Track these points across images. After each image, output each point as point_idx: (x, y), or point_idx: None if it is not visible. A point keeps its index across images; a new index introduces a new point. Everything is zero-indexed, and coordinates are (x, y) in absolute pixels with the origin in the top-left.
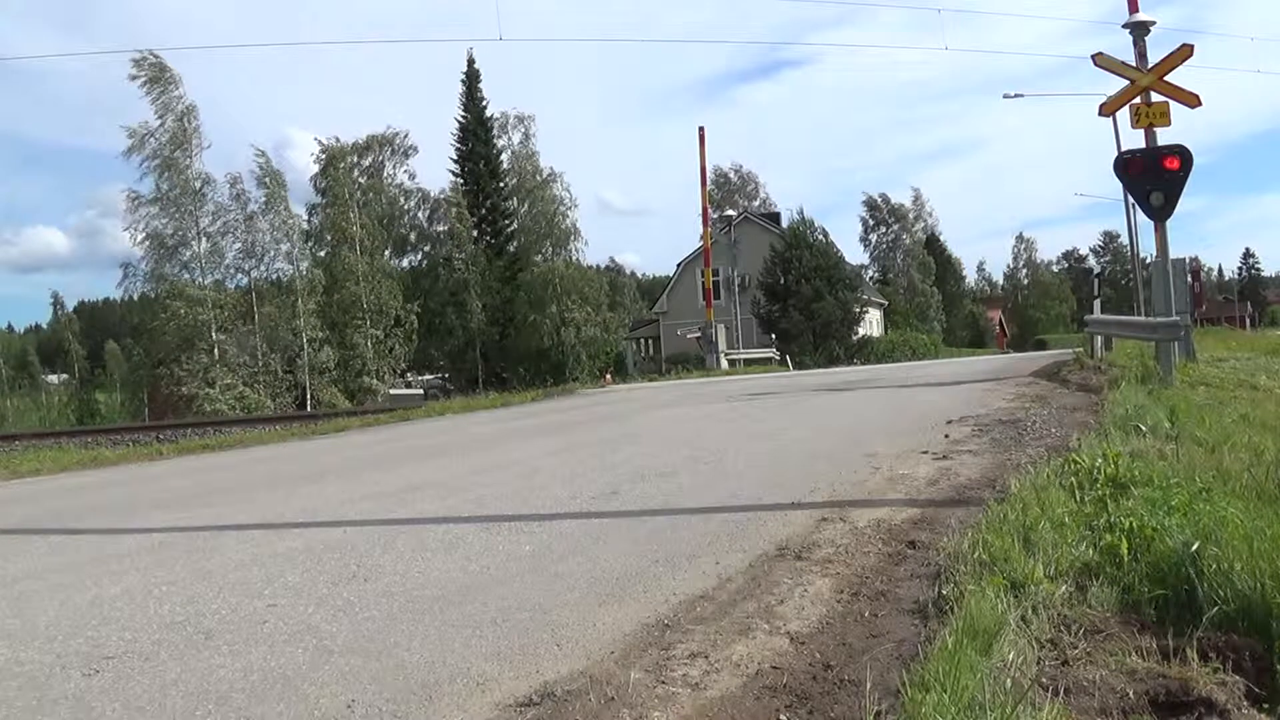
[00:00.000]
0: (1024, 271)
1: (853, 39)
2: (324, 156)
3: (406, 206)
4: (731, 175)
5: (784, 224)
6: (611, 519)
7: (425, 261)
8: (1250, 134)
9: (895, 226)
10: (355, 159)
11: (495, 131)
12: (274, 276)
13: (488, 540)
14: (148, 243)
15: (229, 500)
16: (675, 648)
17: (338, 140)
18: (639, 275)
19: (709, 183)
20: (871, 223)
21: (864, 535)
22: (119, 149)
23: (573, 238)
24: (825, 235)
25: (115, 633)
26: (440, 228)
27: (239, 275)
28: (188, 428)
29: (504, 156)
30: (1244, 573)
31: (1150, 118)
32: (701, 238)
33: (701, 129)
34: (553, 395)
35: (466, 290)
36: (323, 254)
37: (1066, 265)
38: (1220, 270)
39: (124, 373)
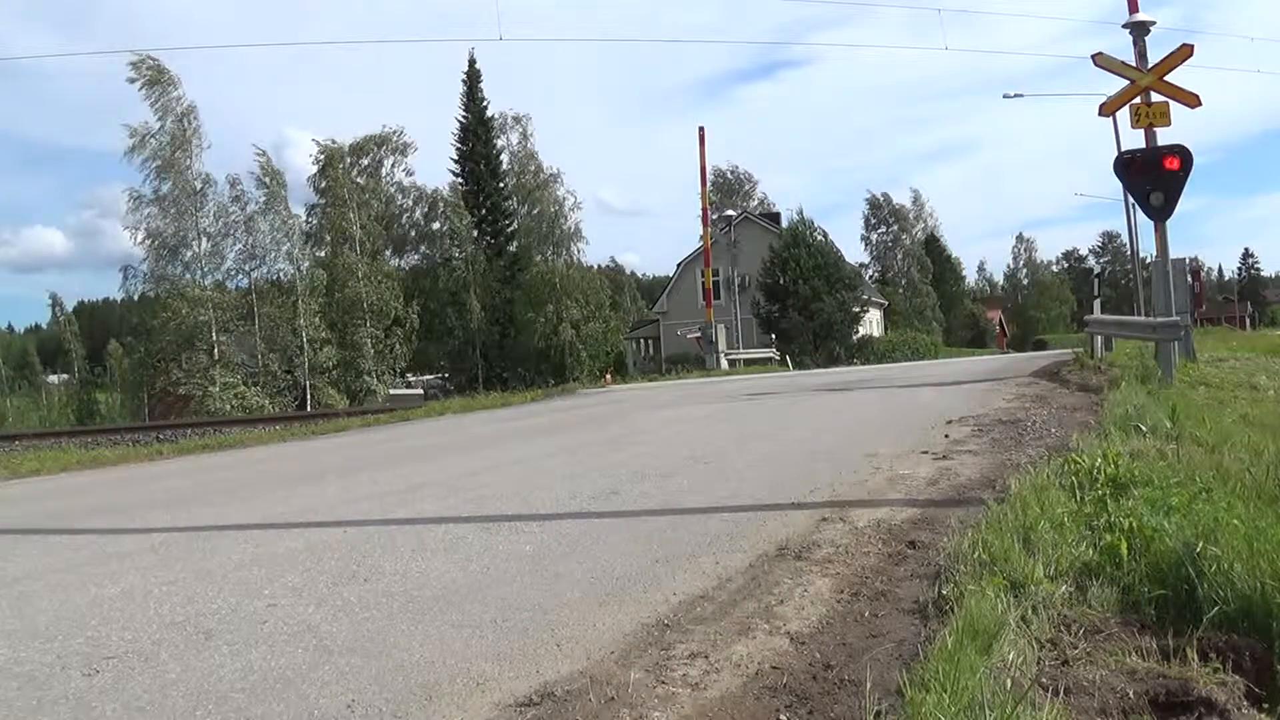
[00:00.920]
0: (1024, 272)
1: (853, 39)
2: (322, 157)
3: (405, 205)
4: (730, 175)
5: (784, 224)
6: (611, 519)
7: (425, 261)
8: (1250, 134)
9: (895, 227)
10: (352, 159)
11: (495, 131)
12: (274, 276)
13: (488, 540)
14: (148, 243)
15: (229, 500)
16: (675, 648)
17: (333, 141)
18: (639, 275)
19: (708, 183)
20: (872, 222)
21: (864, 535)
22: (119, 149)
23: (574, 238)
24: (824, 235)
25: (115, 633)
26: (436, 225)
27: (239, 275)
28: (188, 428)
29: (504, 157)
30: (1244, 573)
31: (1150, 118)
32: (701, 238)
33: (701, 129)
34: (553, 395)
35: (466, 290)
36: (322, 254)
37: (1066, 265)
38: (1220, 270)
39: (124, 372)
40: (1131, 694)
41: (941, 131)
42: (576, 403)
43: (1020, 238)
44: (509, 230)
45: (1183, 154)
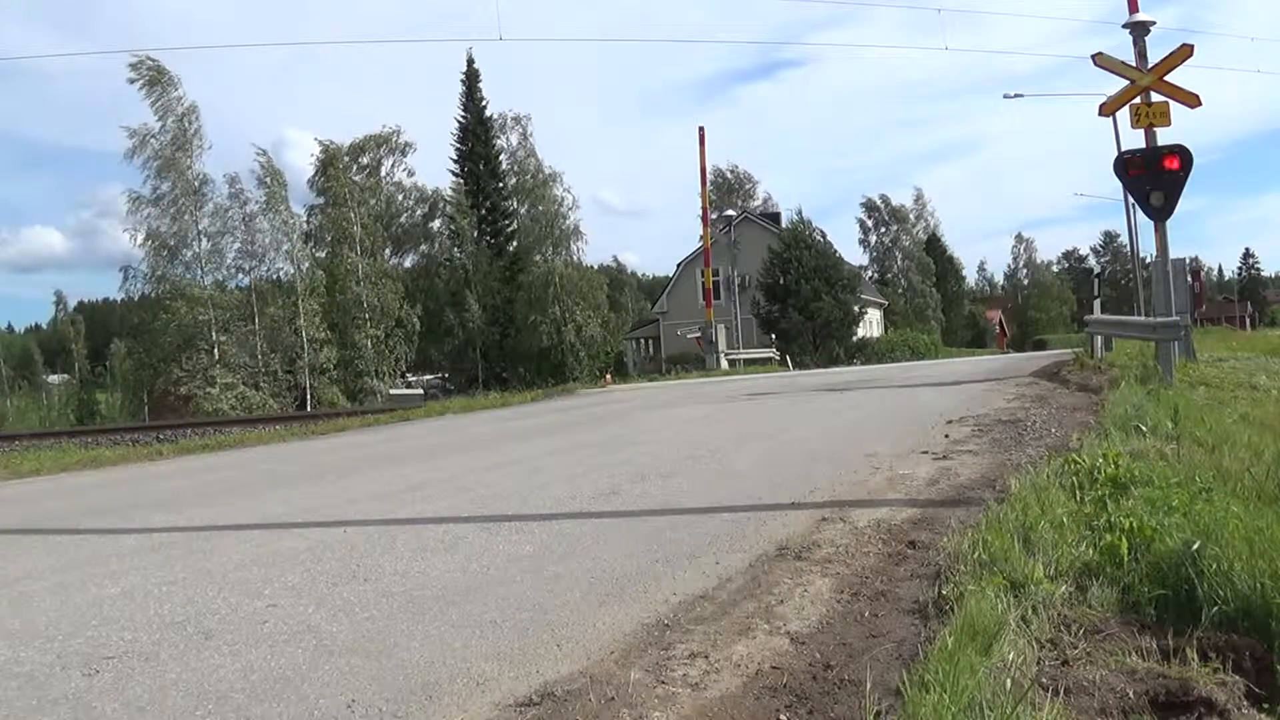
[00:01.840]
0: (1024, 272)
1: (853, 39)
2: (322, 158)
3: (405, 204)
4: (730, 175)
5: (784, 224)
6: (611, 519)
7: (425, 261)
8: (1250, 134)
9: (895, 228)
10: (352, 159)
11: (495, 131)
12: (275, 276)
13: (488, 540)
14: (148, 243)
15: (229, 500)
16: (675, 648)
17: (332, 143)
18: (639, 275)
19: (708, 183)
20: (871, 224)
21: (864, 535)
22: (119, 149)
23: (573, 238)
24: (824, 235)
25: (115, 633)
26: (435, 224)
27: (239, 275)
28: (188, 428)
29: (503, 157)
30: (1244, 573)
31: (1150, 118)
32: (701, 238)
33: (701, 129)
34: (553, 395)
35: (466, 290)
36: (322, 254)
37: (1066, 265)
38: (1220, 270)
39: (125, 372)
40: (1131, 694)
41: (941, 131)
42: (576, 403)
43: (1020, 238)
44: (509, 230)
45: (1183, 154)
